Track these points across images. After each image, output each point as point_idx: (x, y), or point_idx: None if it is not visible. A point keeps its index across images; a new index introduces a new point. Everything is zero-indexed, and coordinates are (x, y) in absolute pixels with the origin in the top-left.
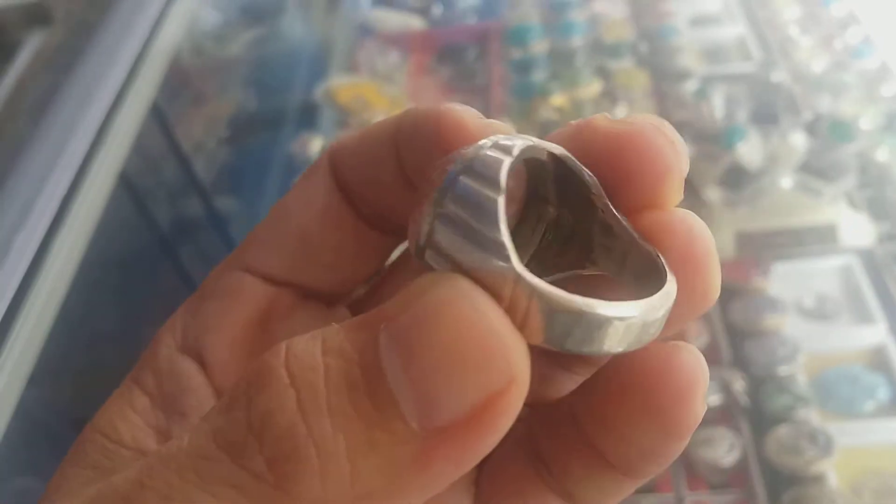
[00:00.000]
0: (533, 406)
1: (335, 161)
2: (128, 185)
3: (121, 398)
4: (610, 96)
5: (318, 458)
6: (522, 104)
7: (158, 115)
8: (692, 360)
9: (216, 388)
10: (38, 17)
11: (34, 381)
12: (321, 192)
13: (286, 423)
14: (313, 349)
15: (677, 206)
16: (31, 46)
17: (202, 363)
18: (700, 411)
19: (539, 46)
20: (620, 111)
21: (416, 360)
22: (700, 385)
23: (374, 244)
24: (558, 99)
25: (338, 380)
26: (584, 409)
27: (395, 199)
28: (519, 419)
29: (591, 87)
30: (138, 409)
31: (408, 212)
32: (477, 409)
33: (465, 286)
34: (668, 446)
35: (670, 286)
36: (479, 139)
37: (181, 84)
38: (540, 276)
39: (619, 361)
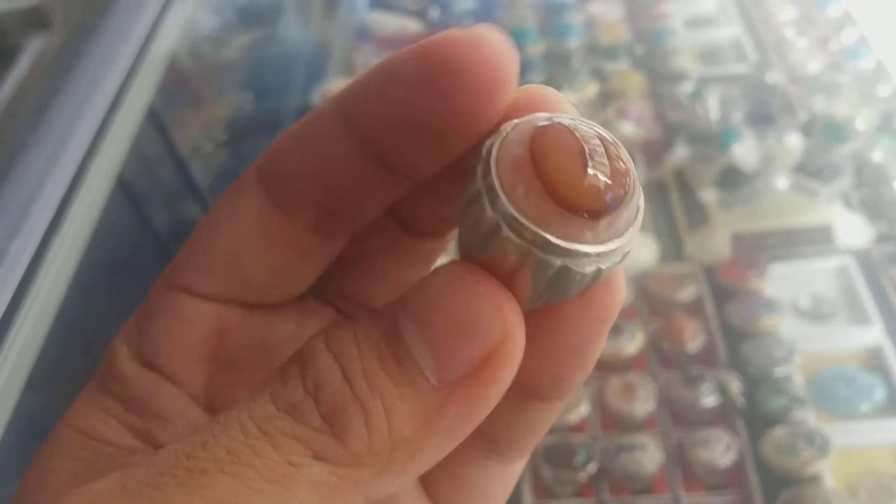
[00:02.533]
0: None
1: (265, 174)
2: (125, 189)
3: (92, 402)
4: (606, 98)
5: (363, 411)
6: None
7: (156, 119)
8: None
9: (192, 395)
10: (37, 22)
11: (32, 385)
12: (250, 212)
13: (336, 388)
14: (348, 334)
15: None
16: (31, 51)
17: (165, 377)
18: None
19: (535, 49)
20: (613, 113)
21: (431, 325)
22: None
23: (315, 251)
24: None
25: (369, 353)
26: None
27: (354, 187)
28: None
29: (588, 90)
30: (112, 412)
31: (376, 197)
32: (482, 361)
33: (463, 265)
34: (574, 365)
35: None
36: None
37: (179, 87)
38: None
39: None
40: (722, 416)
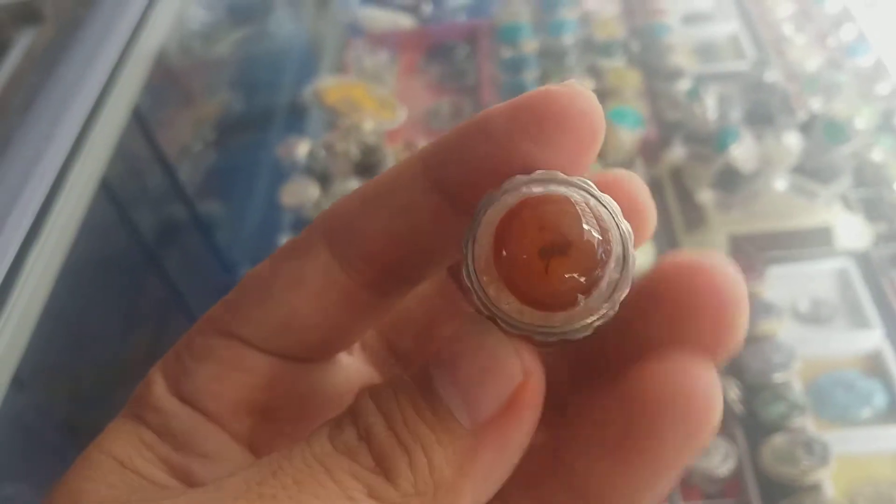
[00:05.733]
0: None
1: (332, 230)
2: (109, 191)
3: (128, 430)
4: (602, 96)
5: (407, 456)
6: None
7: (140, 120)
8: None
9: (233, 436)
10: (28, 16)
11: (21, 386)
12: (316, 271)
13: (382, 436)
14: (388, 390)
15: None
16: (21, 45)
17: (208, 417)
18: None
19: (530, 45)
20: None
21: (458, 372)
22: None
23: (373, 309)
24: None
25: (407, 405)
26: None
27: (429, 242)
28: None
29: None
30: (148, 444)
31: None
32: (508, 402)
33: (486, 323)
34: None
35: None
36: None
37: (168, 84)
38: None
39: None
40: (720, 423)
